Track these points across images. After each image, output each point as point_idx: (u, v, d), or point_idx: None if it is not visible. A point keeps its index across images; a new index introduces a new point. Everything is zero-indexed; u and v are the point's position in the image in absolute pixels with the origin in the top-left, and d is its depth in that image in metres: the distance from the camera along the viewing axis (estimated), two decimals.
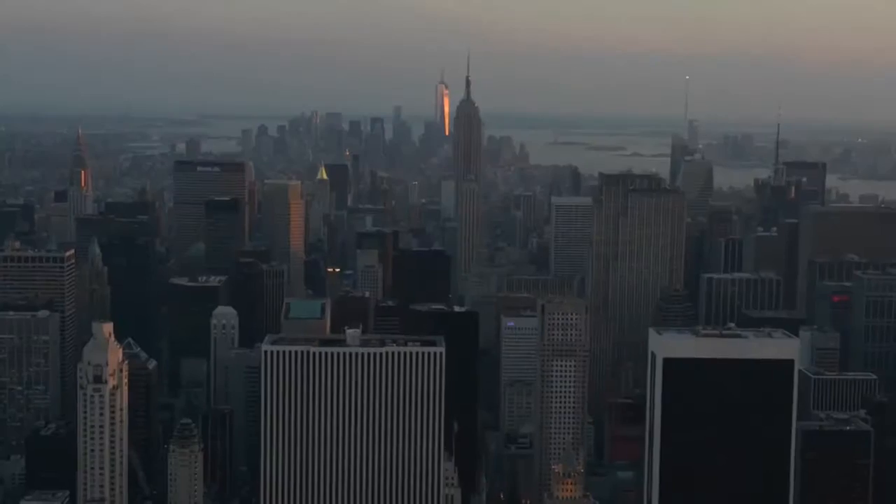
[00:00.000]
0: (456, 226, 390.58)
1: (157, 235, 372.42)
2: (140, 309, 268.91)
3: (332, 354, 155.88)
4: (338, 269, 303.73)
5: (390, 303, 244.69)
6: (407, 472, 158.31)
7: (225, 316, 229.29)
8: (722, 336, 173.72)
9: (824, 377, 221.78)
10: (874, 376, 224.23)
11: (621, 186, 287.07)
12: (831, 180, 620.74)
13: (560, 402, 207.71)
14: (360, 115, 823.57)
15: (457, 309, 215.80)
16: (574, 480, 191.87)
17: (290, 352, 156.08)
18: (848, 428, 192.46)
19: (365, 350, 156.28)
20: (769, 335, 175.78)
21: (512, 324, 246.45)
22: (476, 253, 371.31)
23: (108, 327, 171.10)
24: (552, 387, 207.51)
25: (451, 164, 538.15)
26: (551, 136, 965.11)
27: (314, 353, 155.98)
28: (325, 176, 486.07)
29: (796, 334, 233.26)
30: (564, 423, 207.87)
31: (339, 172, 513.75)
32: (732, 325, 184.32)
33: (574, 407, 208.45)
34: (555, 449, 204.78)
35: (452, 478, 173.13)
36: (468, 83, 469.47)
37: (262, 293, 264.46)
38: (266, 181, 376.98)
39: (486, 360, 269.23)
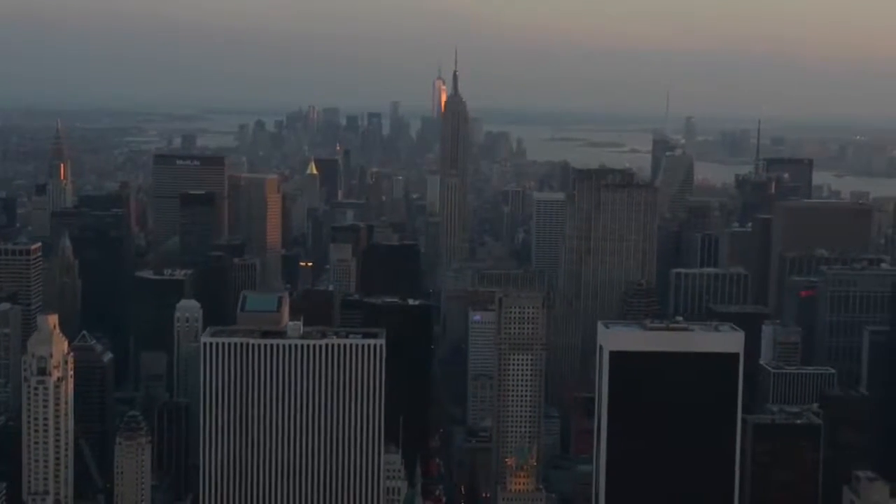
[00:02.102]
0: (439, 220, 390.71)
1: (137, 229, 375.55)
2: (111, 302, 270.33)
3: (271, 346, 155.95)
4: (311, 263, 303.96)
5: (357, 296, 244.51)
6: (347, 464, 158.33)
7: (188, 309, 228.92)
8: (668, 329, 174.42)
9: (783, 371, 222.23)
10: (833, 370, 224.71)
11: (594, 182, 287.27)
12: (826, 177, 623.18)
13: (517, 396, 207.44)
14: (358, 111, 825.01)
15: (411, 302, 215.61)
16: (526, 473, 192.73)
17: (229, 343, 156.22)
18: (799, 421, 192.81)
19: (303, 342, 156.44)
20: (716, 329, 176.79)
21: (478, 318, 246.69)
22: (458, 248, 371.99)
23: (53, 319, 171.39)
24: (509, 380, 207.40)
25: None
26: (550, 132, 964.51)
27: (253, 345, 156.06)
28: (315, 170, 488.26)
29: (760, 329, 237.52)
30: (521, 416, 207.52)
31: (330, 167, 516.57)
32: (680, 318, 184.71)
33: (531, 400, 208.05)
34: (511, 442, 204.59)
35: (399, 470, 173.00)
36: (455, 78, 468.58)
37: (232, 286, 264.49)
38: (243, 175, 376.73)
39: (458, 354, 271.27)
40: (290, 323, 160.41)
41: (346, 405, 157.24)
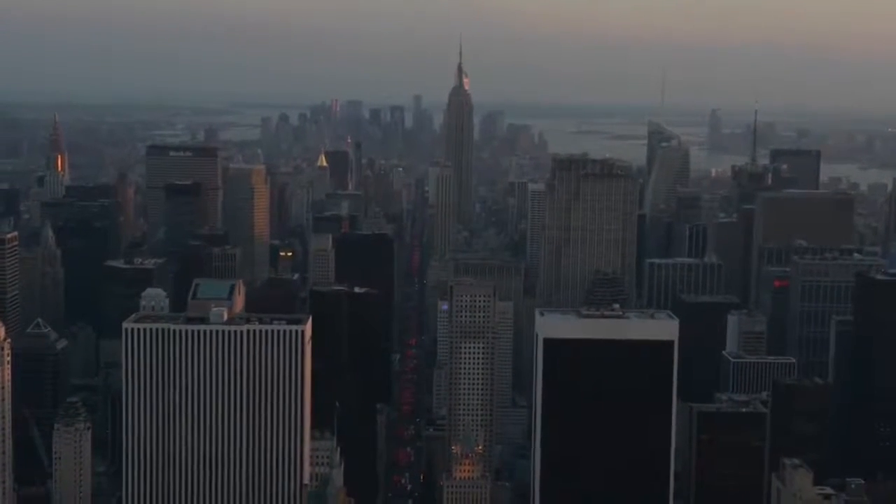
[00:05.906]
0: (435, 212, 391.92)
1: (142, 220, 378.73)
2: (92, 291, 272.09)
3: (192, 332, 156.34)
4: (290, 253, 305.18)
5: (322, 286, 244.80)
6: (269, 450, 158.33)
7: (154, 297, 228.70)
8: (603, 317, 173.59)
9: (743, 361, 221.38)
10: (793, 360, 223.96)
11: (574, 171, 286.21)
12: (850, 169, 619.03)
13: (468, 384, 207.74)
14: (382, 104, 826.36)
15: (357, 290, 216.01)
16: (472, 461, 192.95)
17: (149, 329, 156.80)
18: (744, 410, 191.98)
19: (225, 328, 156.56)
20: (651, 317, 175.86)
21: (445, 307, 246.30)
22: (453, 239, 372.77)
23: None
24: (460, 368, 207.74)
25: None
26: (576, 125, 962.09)
27: (174, 331, 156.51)
28: (324, 163, 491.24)
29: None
30: (472, 404, 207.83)
31: (341, 160, 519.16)
32: (617, 306, 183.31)
33: (482, 388, 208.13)
34: (461, 430, 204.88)
35: (329, 457, 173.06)
36: (461, 71, 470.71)
37: (209, 276, 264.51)
38: (232, 166, 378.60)
39: (435, 343, 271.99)
40: (214, 309, 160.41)
41: (268, 391, 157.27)
